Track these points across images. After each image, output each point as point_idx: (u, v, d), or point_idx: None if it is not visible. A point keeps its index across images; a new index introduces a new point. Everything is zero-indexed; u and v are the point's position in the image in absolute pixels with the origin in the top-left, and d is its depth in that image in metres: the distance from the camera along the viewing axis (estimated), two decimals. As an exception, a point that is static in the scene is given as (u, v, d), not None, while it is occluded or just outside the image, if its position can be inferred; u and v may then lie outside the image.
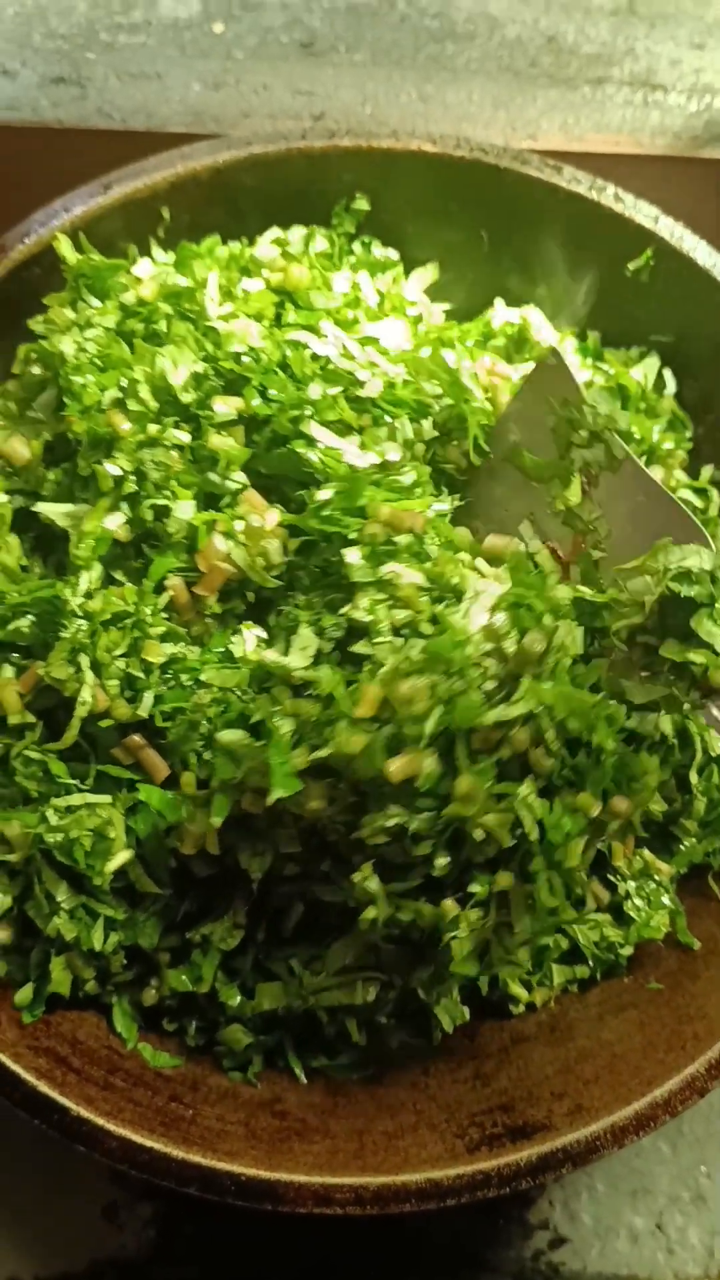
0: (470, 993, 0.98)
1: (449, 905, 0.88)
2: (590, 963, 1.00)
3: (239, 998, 0.95)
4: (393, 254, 1.18)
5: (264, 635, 0.97)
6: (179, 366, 1.00)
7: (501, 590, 0.89)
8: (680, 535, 0.89)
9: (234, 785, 0.89)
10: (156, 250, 1.13)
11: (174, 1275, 1.08)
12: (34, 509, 1.01)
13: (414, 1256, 1.09)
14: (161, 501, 0.98)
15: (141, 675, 0.93)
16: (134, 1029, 0.96)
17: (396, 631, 0.89)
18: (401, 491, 0.97)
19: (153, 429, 0.98)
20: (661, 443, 1.12)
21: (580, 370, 1.12)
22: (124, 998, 0.97)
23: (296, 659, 0.91)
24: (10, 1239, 1.08)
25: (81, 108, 1.32)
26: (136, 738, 0.93)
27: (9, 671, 0.95)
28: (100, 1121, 0.86)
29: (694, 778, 0.98)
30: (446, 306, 1.19)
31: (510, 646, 0.86)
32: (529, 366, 1.10)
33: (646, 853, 1.02)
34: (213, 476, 0.99)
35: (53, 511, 1.00)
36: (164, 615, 0.96)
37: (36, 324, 1.05)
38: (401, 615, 0.89)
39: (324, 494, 0.94)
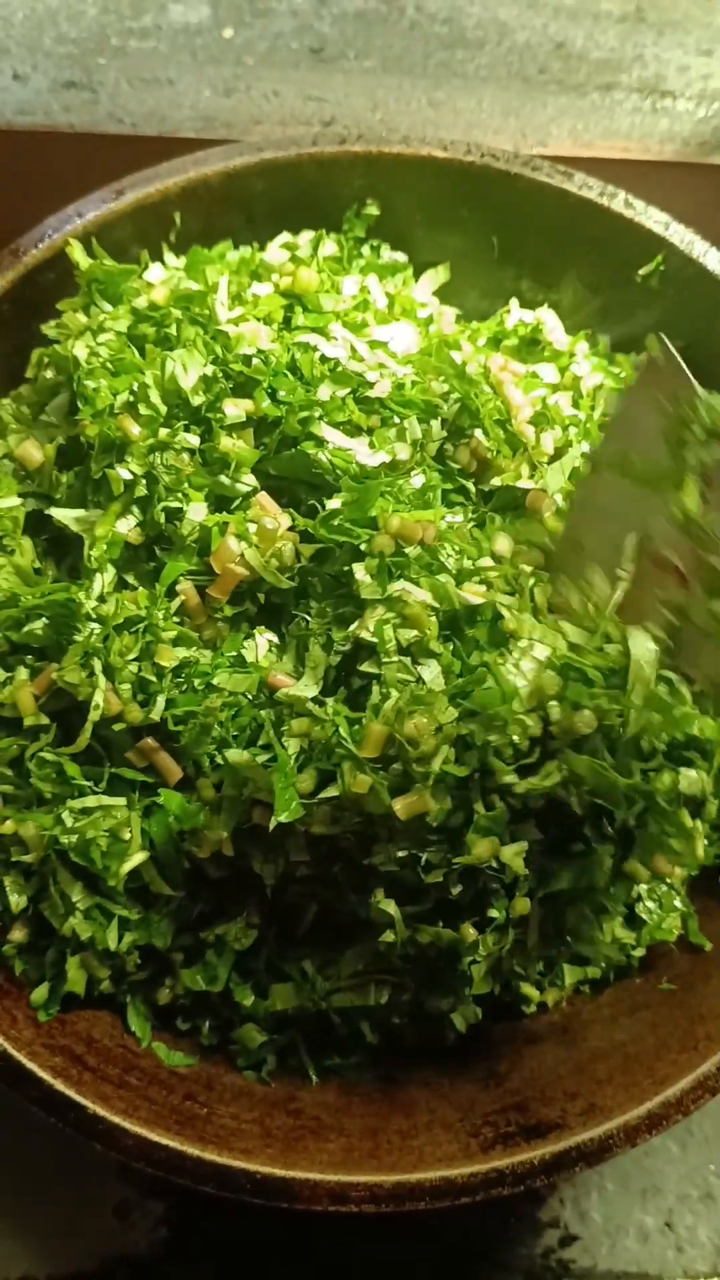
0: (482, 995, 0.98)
1: (468, 930, 0.89)
2: (602, 964, 1.01)
3: (253, 998, 0.96)
4: (401, 257, 1.19)
5: (275, 640, 0.98)
6: (189, 370, 1.01)
7: (551, 650, 0.89)
8: None
9: (241, 800, 0.90)
10: (168, 255, 1.14)
11: (185, 1273, 1.09)
12: (47, 513, 1.02)
13: (425, 1253, 1.09)
14: (174, 504, 0.98)
15: (154, 679, 0.94)
16: (148, 1028, 0.97)
17: (403, 650, 0.90)
18: (413, 499, 0.98)
19: (163, 433, 0.99)
20: None
21: (592, 373, 1.13)
22: (138, 997, 0.98)
23: (308, 685, 0.92)
24: (22, 1238, 1.09)
25: (93, 112, 1.33)
26: (150, 741, 0.94)
27: (23, 674, 0.96)
28: (116, 1119, 0.87)
29: None
30: (457, 311, 1.20)
31: (555, 714, 0.86)
32: (545, 367, 1.10)
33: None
34: (223, 479, 1.00)
35: (65, 517, 1.00)
36: (176, 619, 0.97)
37: (49, 329, 1.06)
38: (409, 635, 0.90)
39: (334, 503, 0.95)
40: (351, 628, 0.90)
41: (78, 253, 1.06)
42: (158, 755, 0.94)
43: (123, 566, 0.99)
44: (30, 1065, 0.88)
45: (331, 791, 0.86)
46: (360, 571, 0.91)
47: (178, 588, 0.97)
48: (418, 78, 1.36)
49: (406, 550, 0.92)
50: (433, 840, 0.87)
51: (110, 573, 0.98)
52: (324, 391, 1.01)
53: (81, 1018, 0.95)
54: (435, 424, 1.03)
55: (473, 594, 0.92)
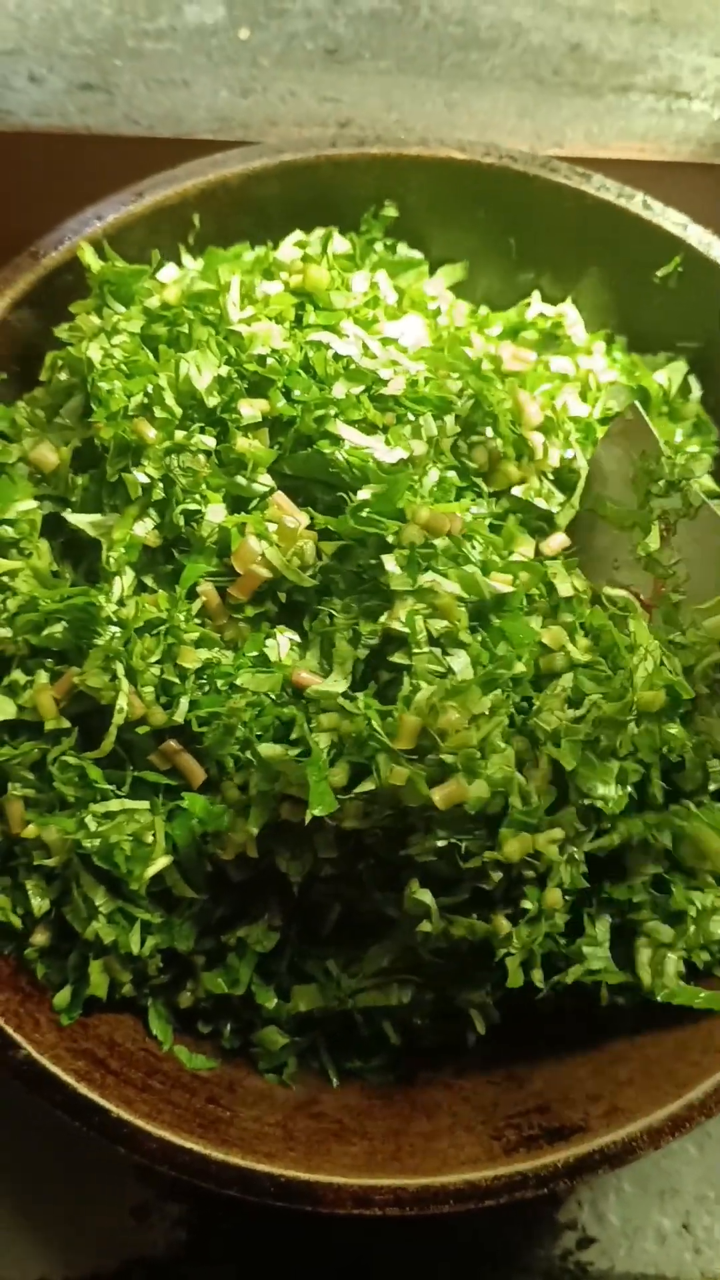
0: (501, 997, 0.98)
1: (502, 922, 0.89)
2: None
3: (275, 1000, 0.96)
4: (417, 255, 1.19)
5: (297, 639, 0.98)
6: (203, 371, 1.01)
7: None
8: None
9: (272, 795, 0.90)
10: (185, 257, 1.14)
11: (203, 1275, 1.09)
12: (64, 516, 1.02)
13: (444, 1255, 1.09)
14: (192, 506, 0.98)
15: (176, 681, 0.94)
16: (169, 1031, 0.97)
17: (433, 641, 0.90)
18: (432, 494, 0.98)
19: (179, 435, 0.99)
20: (686, 445, 1.12)
21: (606, 371, 1.13)
22: (159, 1000, 0.98)
23: (337, 680, 0.92)
24: (41, 1240, 1.09)
25: (109, 114, 1.33)
26: (173, 743, 0.94)
27: (44, 677, 0.96)
28: (140, 1123, 0.87)
29: None
30: (470, 306, 1.20)
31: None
32: (561, 361, 1.11)
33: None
34: (240, 480, 0.99)
35: (81, 521, 1.00)
36: (197, 621, 0.97)
37: (63, 331, 1.06)
38: (439, 625, 0.90)
39: (363, 494, 0.94)
40: (382, 619, 0.90)
41: (89, 255, 1.06)
42: (181, 757, 0.94)
43: (141, 569, 0.99)
44: (54, 1069, 0.88)
45: (368, 785, 0.86)
46: (390, 563, 0.91)
47: (199, 589, 0.97)
48: (433, 78, 1.36)
49: (435, 542, 0.92)
50: (470, 828, 0.87)
51: (130, 575, 0.98)
52: (339, 389, 1.01)
53: (103, 1021, 0.95)
54: (449, 420, 1.02)
55: (501, 583, 0.92)
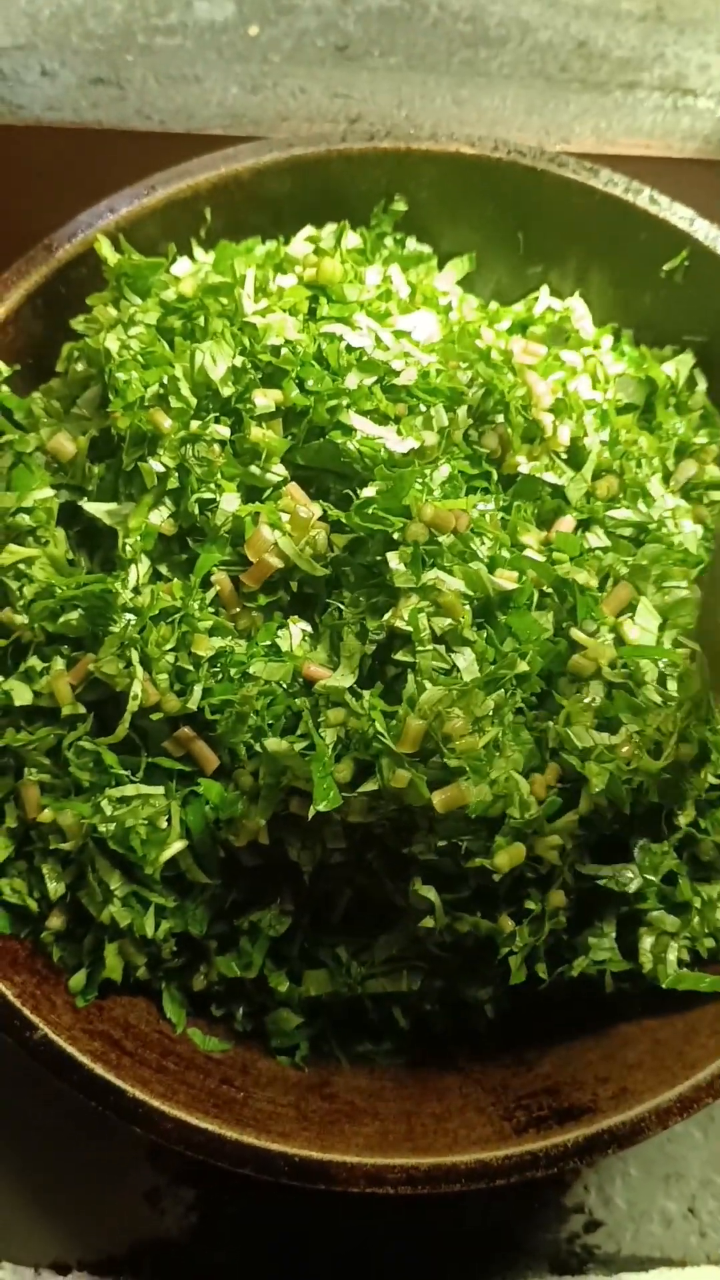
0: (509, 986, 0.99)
1: (505, 921, 0.91)
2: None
3: (287, 984, 0.97)
4: (426, 249, 1.20)
5: (309, 629, 0.99)
6: (218, 361, 1.02)
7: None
8: None
9: (279, 787, 0.91)
10: (197, 250, 1.15)
11: (215, 1258, 1.10)
12: (80, 504, 1.03)
13: (451, 1239, 1.10)
14: (207, 495, 0.99)
15: (190, 669, 0.94)
16: (183, 1014, 0.98)
17: (437, 639, 0.91)
18: (442, 489, 0.99)
19: (194, 425, 1.00)
20: (693, 437, 1.13)
21: (615, 363, 1.14)
22: (173, 984, 0.99)
23: (344, 674, 0.92)
24: (53, 1224, 1.10)
25: (121, 109, 1.34)
26: (187, 730, 0.95)
27: (60, 664, 0.97)
28: (156, 1103, 0.88)
29: None
30: (480, 300, 1.21)
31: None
32: (570, 355, 1.11)
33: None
34: (254, 469, 1.00)
35: (97, 510, 1.01)
36: (210, 610, 0.98)
37: (79, 323, 1.07)
38: (443, 623, 0.91)
39: (369, 490, 0.95)
40: (386, 617, 0.91)
41: (105, 248, 1.07)
42: (195, 744, 0.95)
43: (156, 558, 1.00)
44: (70, 1050, 0.89)
45: (371, 785, 0.88)
46: (394, 560, 0.91)
47: (212, 578, 0.98)
48: (441, 75, 1.37)
49: (440, 539, 0.93)
50: (473, 829, 0.88)
51: (145, 563, 0.98)
52: (352, 380, 1.02)
53: (118, 1004, 0.96)
54: (461, 411, 1.03)
55: (506, 580, 0.93)
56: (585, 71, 1.38)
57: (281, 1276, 1.09)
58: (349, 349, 1.03)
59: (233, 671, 0.95)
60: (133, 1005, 0.97)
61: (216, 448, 1.00)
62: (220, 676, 0.95)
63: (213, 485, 0.99)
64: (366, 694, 0.91)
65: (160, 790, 0.94)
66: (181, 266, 1.11)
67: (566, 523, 1.02)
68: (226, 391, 1.01)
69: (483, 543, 0.95)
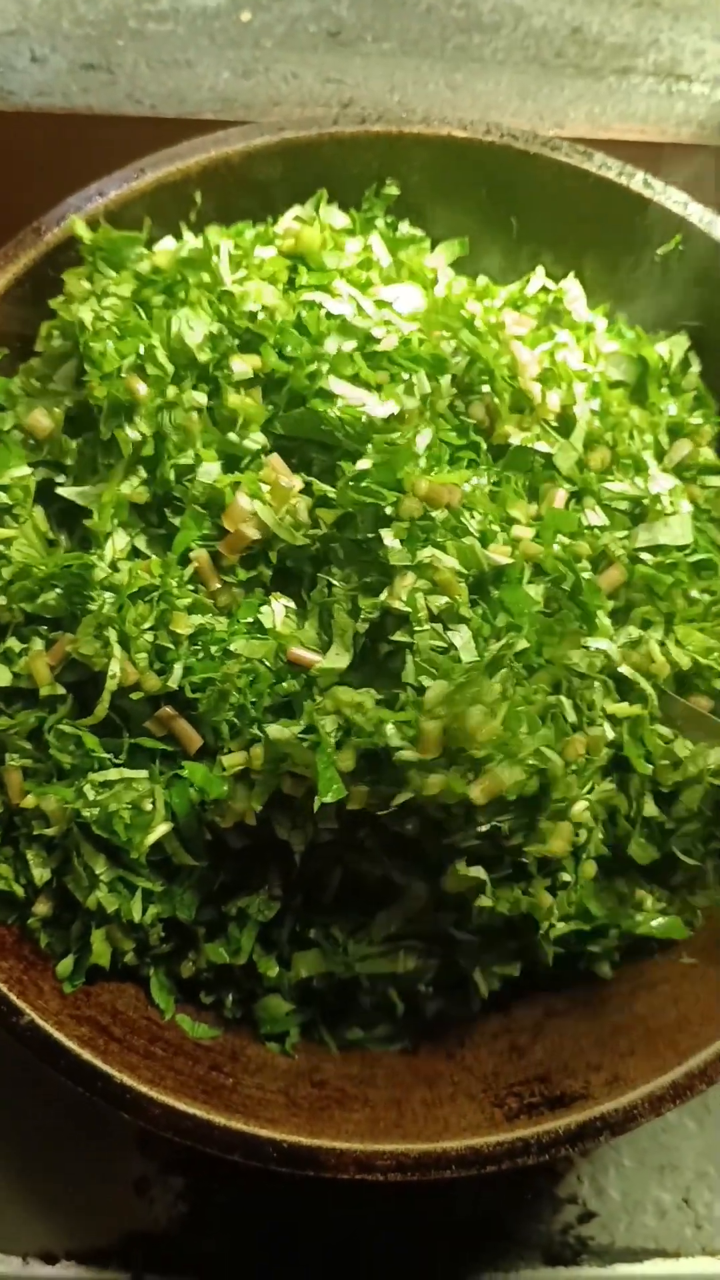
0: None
1: (544, 895, 0.90)
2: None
3: (276, 969, 0.96)
4: (418, 233, 1.19)
5: (291, 605, 0.97)
6: (194, 328, 1.01)
7: None
8: None
9: (276, 773, 0.90)
10: (187, 234, 1.14)
11: (204, 1248, 1.09)
12: (57, 482, 1.02)
13: (443, 1230, 1.10)
14: (184, 462, 0.98)
15: (170, 647, 0.94)
16: (171, 1001, 0.97)
17: (434, 618, 0.90)
18: (430, 458, 0.97)
19: (171, 392, 0.99)
20: (687, 417, 1.12)
21: (608, 343, 1.13)
22: (161, 970, 0.98)
23: (339, 654, 0.92)
24: (42, 1213, 1.09)
25: (112, 94, 1.33)
26: (168, 709, 0.94)
27: (38, 644, 0.96)
28: (143, 1089, 0.87)
29: None
30: (469, 279, 1.20)
31: None
32: (563, 334, 1.11)
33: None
34: (232, 436, 0.99)
35: (71, 493, 1.00)
36: (190, 587, 0.97)
37: (56, 302, 1.06)
38: (440, 602, 0.90)
39: (363, 463, 0.94)
40: (381, 596, 0.90)
41: (80, 227, 1.06)
42: (176, 723, 0.94)
43: (134, 533, 0.99)
44: (58, 1035, 0.88)
45: (404, 796, 0.86)
46: (389, 537, 0.91)
47: (191, 554, 0.97)
48: (435, 60, 1.37)
49: (433, 514, 0.92)
50: (512, 809, 0.87)
51: (122, 538, 0.98)
52: (331, 345, 1.01)
53: (106, 990, 0.95)
54: (445, 381, 1.02)
55: (499, 555, 0.92)
56: (580, 57, 1.37)
57: (271, 1266, 1.08)
58: (329, 315, 1.02)
59: (213, 649, 0.94)
60: (121, 991, 0.96)
61: (194, 415, 0.99)
62: (201, 654, 0.94)
63: (190, 453, 0.98)
64: (369, 693, 0.89)
65: (144, 773, 0.93)
66: (165, 245, 1.10)
67: (559, 496, 1.01)
68: (204, 358, 1.00)
69: (473, 517, 0.94)
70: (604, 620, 0.98)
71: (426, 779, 0.85)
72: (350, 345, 1.01)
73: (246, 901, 0.96)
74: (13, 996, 0.89)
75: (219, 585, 0.97)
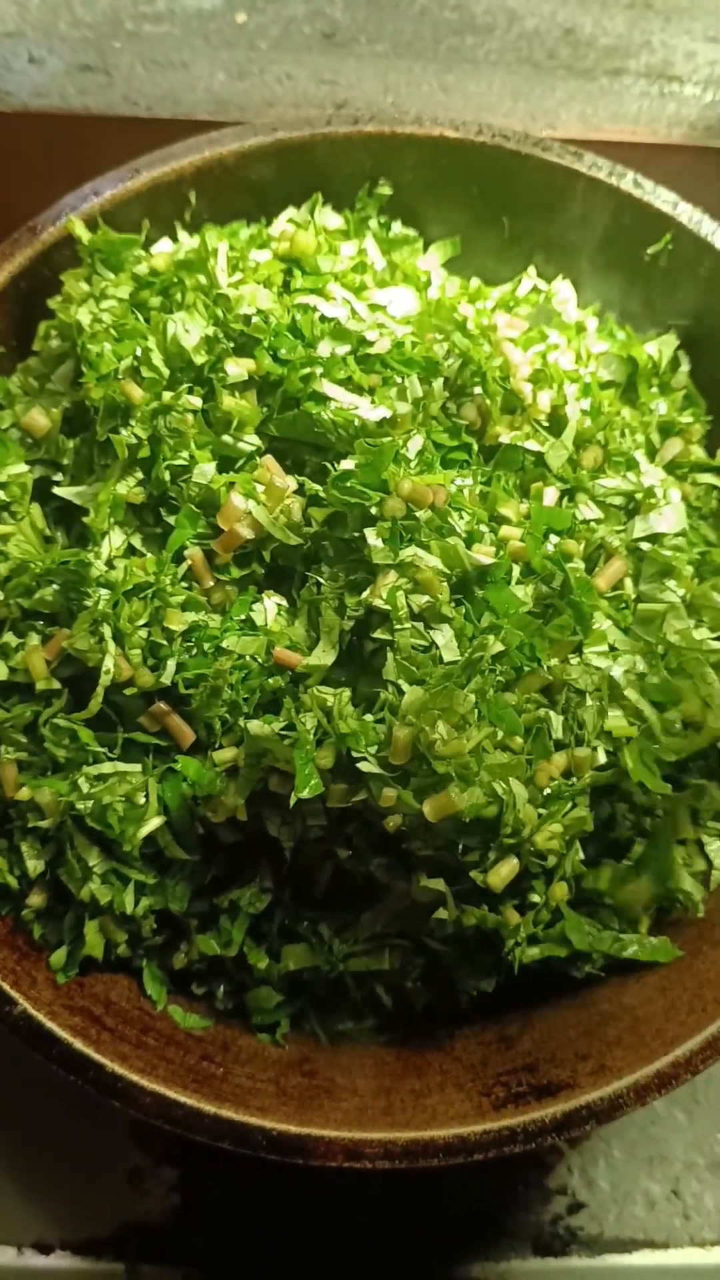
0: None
1: (511, 913, 0.91)
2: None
3: (267, 961, 0.97)
4: (411, 233, 1.20)
5: (284, 603, 0.98)
6: (190, 331, 1.02)
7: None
8: None
9: (259, 768, 0.91)
10: (182, 234, 1.15)
11: (197, 1239, 1.10)
12: (54, 489, 1.03)
13: (435, 1222, 1.10)
14: (179, 463, 0.99)
15: (164, 643, 0.95)
16: (163, 992, 0.98)
17: (415, 616, 0.91)
18: (419, 460, 0.98)
19: (167, 395, 1.00)
20: (677, 416, 1.13)
21: (598, 343, 1.14)
22: (154, 962, 0.99)
23: (325, 651, 0.92)
24: (37, 1204, 1.10)
25: (108, 95, 1.34)
26: (161, 705, 0.95)
27: (35, 639, 0.97)
28: (134, 1078, 0.88)
29: None
30: (462, 280, 1.21)
31: None
32: (554, 334, 1.11)
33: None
34: (227, 438, 1.00)
35: (68, 493, 1.01)
36: (184, 584, 0.97)
37: (54, 302, 1.07)
38: (421, 600, 0.91)
39: (347, 464, 0.95)
40: (364, 594, 0.91)
41: (79, 227, 1.07)
42: (170, 719, 0.95)
43: (130, 531, 1.00)
44: (50, 1025, 0.89)
45: (361, 796, 0.88)
46: (372, 536, 0.91)
47: (185, 553, 0.98)
48: (428, 62, 1.38)
49: (417, 514, 0.93)
50: (468, 829, 0.88)
51: (118, 536, 0.99)
52: (324, 348, 1.02)
53: (99, 980, 0.96)
54: (437, 384, 1.03)
55: (483, 555, 0.93)
56: (572, 58, 1.38)
57: (265, 1257, 1.09)
58: (323, 319, 1.03)
59: (206, 646, 0.95)
60: (113, 982, 0.97)
61: (189, 417, 1.00)
62: (194, 651, 0.95)
63: (185, 454, 0.99)
64: (344, 695, 0.90)
65: (137, 767, 0.94)
66: (162, 247, 1.11)
67: (549, 494, 1.02)
68: (199, 360, 1.01)
69: (461, 517, 0.95)
70: (601, 620, 0.98)
71: (383, 791, 0.86)
72: (344, 349, 1.02)
73: (238, 894, 0.97)
74: (6, 986, 0.90)
75: (212, 583, 0.98)
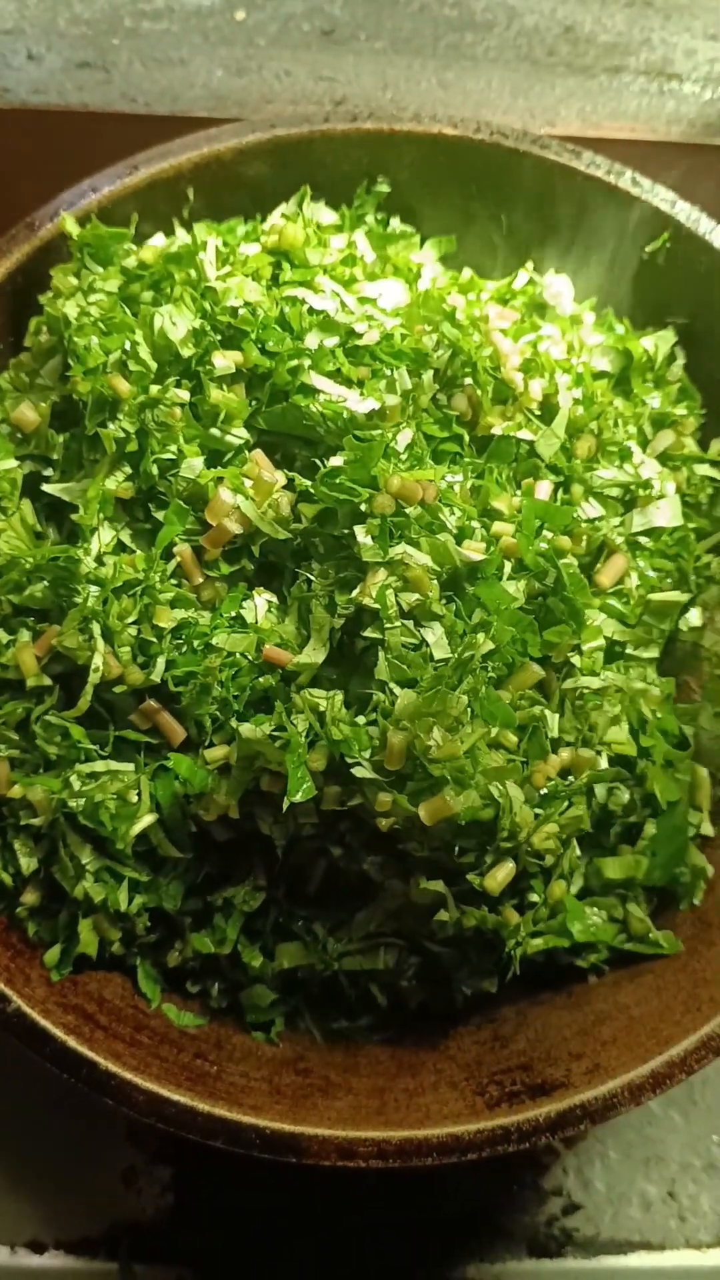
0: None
1: (511, 914, 0.91)
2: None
3: (261, 959, 0.97)
4: (409, 229, 1.20)
5: (274, 600, 0.98)
6: (177, 324, 1.01)
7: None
8: None
9: (251, 769, 0.91)
10: (179, 230, 1.15)
11: (191, 1239, 1.10)
12: (44, 486, 1.02)
13: (429, 1222, 1.10)
14: (166, 456, 0.98)
15: (153, 640, 0.94)
16: (157, 990, 0.98)
17: (405, 614, 0.91)
18: (409, 454, 0.98)
19: (154, 389, 0.99)
20: (668, 407, 1.13)
21: (593, 335, 1.14)
22: (148, 960, 0.99)
23: (315, 649, 0.92)
24: (31, 1202, 1.10)
25: (106, 92, 1.34)
26: (152, 703, 0.95)
27: (25, 636, 0.97)
28: (128, 1076, 0.87)
29: None
30: (454, 273, 1.20)
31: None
32: (549, 328, 1.11)
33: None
34: (214, 432, 1.00)
35: (57, 489, 1.01)
36: (173, 581, 0.97)
37: (45, 298, 1.07)
38: (411, 599, 0.91)
39: (336, 460, 0.95)
40: (354, 593, 0.91)
41: (69, 223, 1.07)
42: (160, 716, 0.94)
43: (120, 527, 0.99)
44: (44, 1023, 0.89)
45: (356, 800, 0.87)
46: (361, 534, 0.91)
47: (174, 549, 0.98)
48: (427, 59, 1.38)
49: (407, 510, 0.92)
50: (464, 831, 0.88)
51: (107, 532, 0.98)
52: (312, 340, 1.02)
53: (93, 979, 0.96)
54: (427, 376, 1.02)
55: (473, 551, 0.93)
56: (571, 56, 1.38)
57: (259, 1257, 1.09)
58: (311, 311, 1.03)
59: (195, 643, 0.95)
60: (107, 980, 0.97)
61: (177, 411, 0.99)
62: (184, 649, 0.95)
63: (174, 448, 0.98)
64: (336, 699, 0.90)
65: (129, 766, 0.94)
66: (156, 242, 1.11)
67: (543, 488, 1.01)
68: (187, 353, 1.01)
69: (452, 514, 0.94)
70: (596, 615, 0.98)
71: (378, 796, 0.86)
72: (332, 341, 1.02)
73: (232, 892, 0.96)
74: (0, 985, 0.90)
75: (202, 580, 0.98)
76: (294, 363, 0.99)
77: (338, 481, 0.92)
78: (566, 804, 0.93)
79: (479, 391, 1.02)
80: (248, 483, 0.97)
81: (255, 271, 1.06)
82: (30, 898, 0.96)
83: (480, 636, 0.90)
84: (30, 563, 0.96)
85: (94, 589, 0.94)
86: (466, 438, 1.02)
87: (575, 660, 0.97)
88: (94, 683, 0.92)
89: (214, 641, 0.94)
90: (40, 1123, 1.11)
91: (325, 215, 1.15)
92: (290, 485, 0.98)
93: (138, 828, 0.93)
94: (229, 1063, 0.93)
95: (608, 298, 1.19)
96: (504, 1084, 0.91)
